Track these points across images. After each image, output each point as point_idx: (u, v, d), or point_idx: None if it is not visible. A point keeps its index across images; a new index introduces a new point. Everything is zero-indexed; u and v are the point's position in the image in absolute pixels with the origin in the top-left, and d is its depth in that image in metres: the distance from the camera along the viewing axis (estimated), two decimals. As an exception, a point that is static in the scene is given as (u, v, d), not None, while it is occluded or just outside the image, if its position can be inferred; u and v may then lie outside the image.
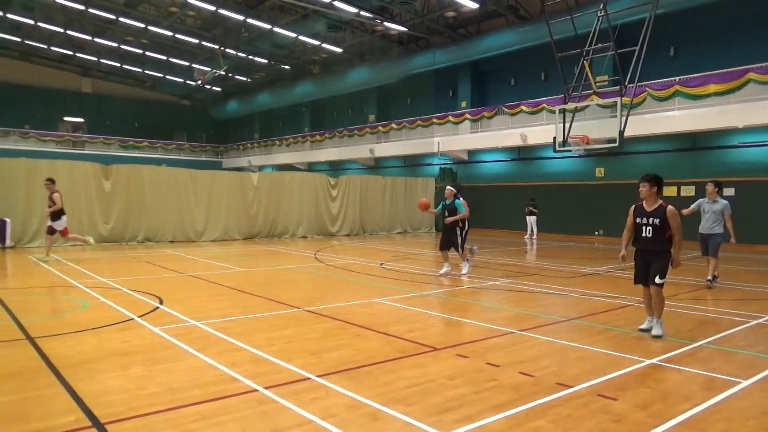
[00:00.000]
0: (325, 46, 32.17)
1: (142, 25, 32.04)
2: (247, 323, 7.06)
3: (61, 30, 34.38)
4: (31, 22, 33.53)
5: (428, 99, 31.65)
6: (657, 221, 6.31)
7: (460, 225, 11.23)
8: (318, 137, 37.06)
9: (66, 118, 42.18)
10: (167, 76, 42.57)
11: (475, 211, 25.95)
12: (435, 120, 28.53)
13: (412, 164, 31.50)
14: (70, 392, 4.42)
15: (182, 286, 9.94)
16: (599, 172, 22.70)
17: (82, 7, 30.00)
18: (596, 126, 17.74)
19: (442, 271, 11.41)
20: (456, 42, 28.41)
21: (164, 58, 38.01)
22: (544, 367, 5.21)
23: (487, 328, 6.81)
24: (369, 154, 32.18)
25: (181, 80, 42.17)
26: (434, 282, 10.79)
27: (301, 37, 30.77)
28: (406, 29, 28.22)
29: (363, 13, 26.59)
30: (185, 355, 5.52)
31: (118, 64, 40.90)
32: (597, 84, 17.71)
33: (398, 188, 25.30)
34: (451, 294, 9.51)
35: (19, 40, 37.24)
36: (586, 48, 16.81)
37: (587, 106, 17.99)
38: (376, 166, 33.44)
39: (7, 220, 15.46)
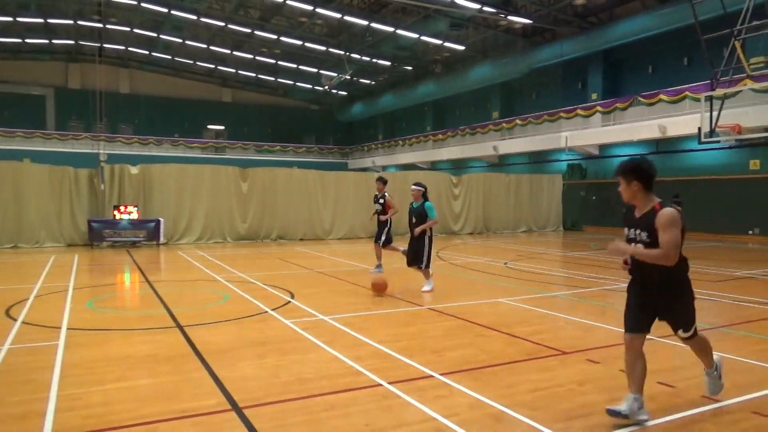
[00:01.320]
0: (447, 44, 32.10)
1: (275, 37, 34.11)
2: (371, 319, 7.23)
3: (205, 46, 37.67)
4: (180, 40, 37.13)
5: (555, 92, 30.36)
6: (645, 235, 3.82)
7: (429, 234, 9.31)
8: (440, 136, 37.10)
9: (209, 126, 46.11)
10: (297, 83, 44.98)
11: (607, 210, 24.70)
12: (562, 114, 27.32)
13: (537, 161, 30.42)
14: (213, 377, 4.80)
15: (311, 282, 10.42)
16: (754, 164, 20.37)
17: (223, 24, 32.64)
18: (750, 113, 15.97)
19: (426, 288, 9.21)
20: (585, 31, 26.97)
21: (294, 66, 40.20)
22: (686, 378, 4.76)
23: (620, 333, 6.38)
24: (492, 151, 31.58)
25: (310, 86, 44.32)
26: (562, 283, 10.31)
27: (423, 38, 30.97)
28: (531, 21, 27.30)
29: (486, 8, 26.16)
30: (314, 348, 5.77)
31: (254, 74, 43.93)
32: (751, 66, 15.90)
33: (523, 186, 24.55)
34: (581, 296, 9.05)
35: (170, 57, 41.40)
36: (738, 27, 15.16)
37: (739, 92, 16.24)
38: (500, 163, 32.74)
39: (161, 219, 17.20)
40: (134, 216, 16.78)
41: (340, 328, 6.61)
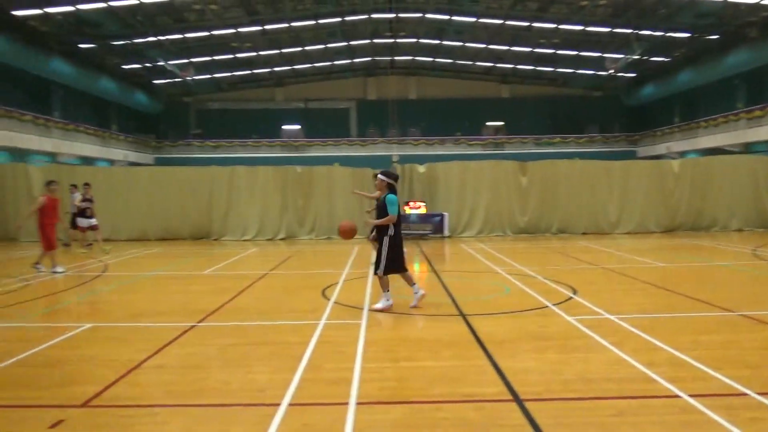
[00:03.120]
0: (765, 2, 26.83)
1: (554, 26, 33.17)
2: (666, 322, 6.47)
3: (484, 45, 38.74)
4: (460, 44, 38.92)
5: None
6: None
7: (389, 232, 7.22)
8: (757, 112, 31.20)
9: (488, 123, 47.26)
10: (577, 71, 42.98)
11: None
12: None
13: None
14: (494, 366, 4.89)
15: (596, 278, 9.84)
16: None
17: (501, 21, 33.09)
18: None
19: (377, 305, 7.32)
20: None
21: (574, 53, 38.49)
22: None
23: None
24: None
25: (592, 72, 41.90)
26: None
27: (732, -1, 26.47)
28: None
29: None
30: (599, 347, 5.42)
31: (531, 67, 43.47)
32: None
33: None
34: None
35: (451, 61, 43.74)
36: None
37: None
38: None
39: (446, 214, 18.28)
40: (422, 211, 18.23)
41: (627, 328, 6.08)
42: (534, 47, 38.41)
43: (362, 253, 14.23)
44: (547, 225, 18.84)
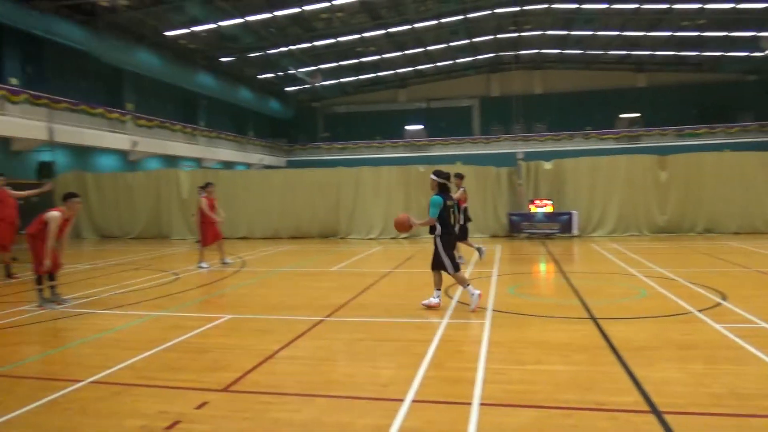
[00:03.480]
0: None
1: (698, 6, 30.34)
2: (840, 334, 5.65)
3: (617, 33, 36.39)
4: (591, 33, 36.88)
5: None
6: None
7: (437, 232, 7.20)
8: None
9: (622, 116, 44.30)
10: (727, 53, 38.93)
11: None
12: None
13: None
14: (629, 374, 4.56)
15: (750, 283, 8.85)
16: None
17: (636, 5, 30.89)
18: None
19: (425, 301, 7.40)
20: None
21: (724, 34, 34.91)
22: None
23: None
24: None
25: (745, 54, 37.73)
26: None
27: None
28: None
29: None
30: (753, 360, 4.86)
31: (672, 53, 40.09)
32: None
33: None
34: None
35: (580, 51, 41.59)
36: None
37: None
38: None
39: (574, 212, 17.43)
40: (549, 209, 17.53)
41: (791, 340, 5.39)
42: (675, 31, 35.41)
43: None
44: (691, 224, 17.28)
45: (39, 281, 7.97)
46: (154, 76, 29.84)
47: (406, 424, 3.76)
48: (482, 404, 4.04)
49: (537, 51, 42.44)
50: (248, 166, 38.68)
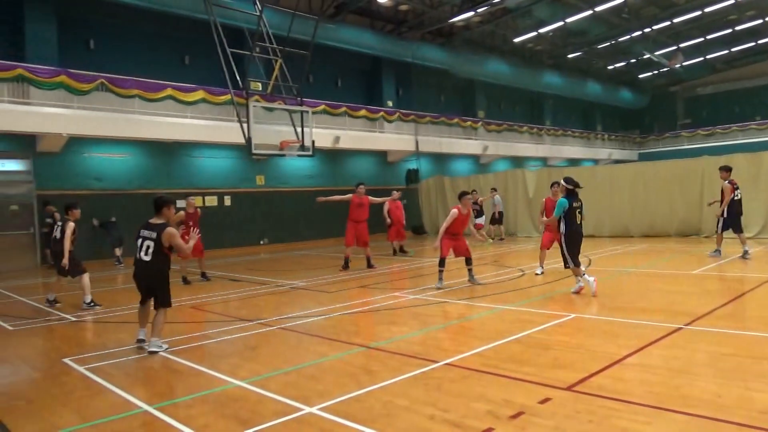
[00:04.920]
0: None
1: None
2: None
3: None
4: None
5: None
6: None
7: (561, 230, 8.66)
8: None
9: None
10: None
11: None
12: None
13: None
14: None
15: None
16: None
17: None
18: None
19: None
20: None
21: None
22: None
23: None
24: None
25: None
26: None
27: None
28: None
29: None
30: None
31: None
32: None
33: None
34: None
35: None
36: None
37: None
38: None
39: None
40: None
41: None
42: None
43: None
44: None
45: (441, 263, 9.75)
46: (502, 83, 31.37)
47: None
48: None
49: None
50: (595, 162, 37.21)
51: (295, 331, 7.01)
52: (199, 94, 18.05)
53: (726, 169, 11.59)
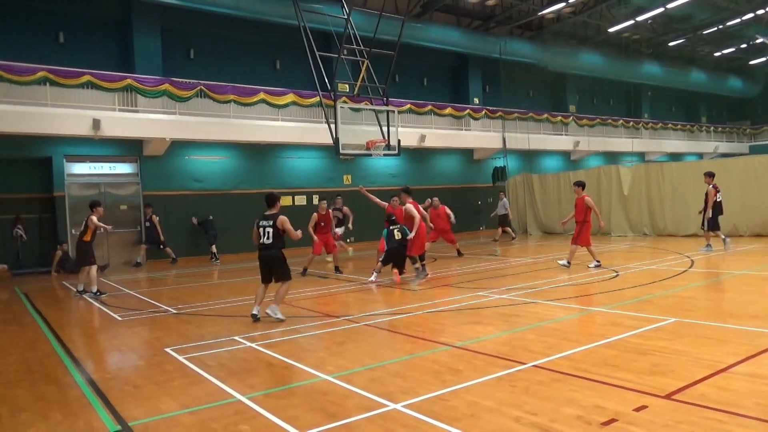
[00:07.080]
0: None
1: None
2: None
3: None
4: None
5: None
6: None
7: None
8: None
9: None
10: None
11: None
12: None
13: None
14: None
15: None
16: None
17: None
18: None
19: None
20: None
21: None
22: None
23: None
24: None
25: None
26: None
27: None
28: None
29: None
30: None
31: None
32: None
33: None
34: None
35: None
36: None
37: None
38: None
39: None
40: None
41: None
42: None
43: None
44: None
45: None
46: (595, 75, 29.98)
47: None
48: None
49: None
50: (700, 156, 34.69)
51: (381, 328, 7.08)
52: (290, 98, 18.68)
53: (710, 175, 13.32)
